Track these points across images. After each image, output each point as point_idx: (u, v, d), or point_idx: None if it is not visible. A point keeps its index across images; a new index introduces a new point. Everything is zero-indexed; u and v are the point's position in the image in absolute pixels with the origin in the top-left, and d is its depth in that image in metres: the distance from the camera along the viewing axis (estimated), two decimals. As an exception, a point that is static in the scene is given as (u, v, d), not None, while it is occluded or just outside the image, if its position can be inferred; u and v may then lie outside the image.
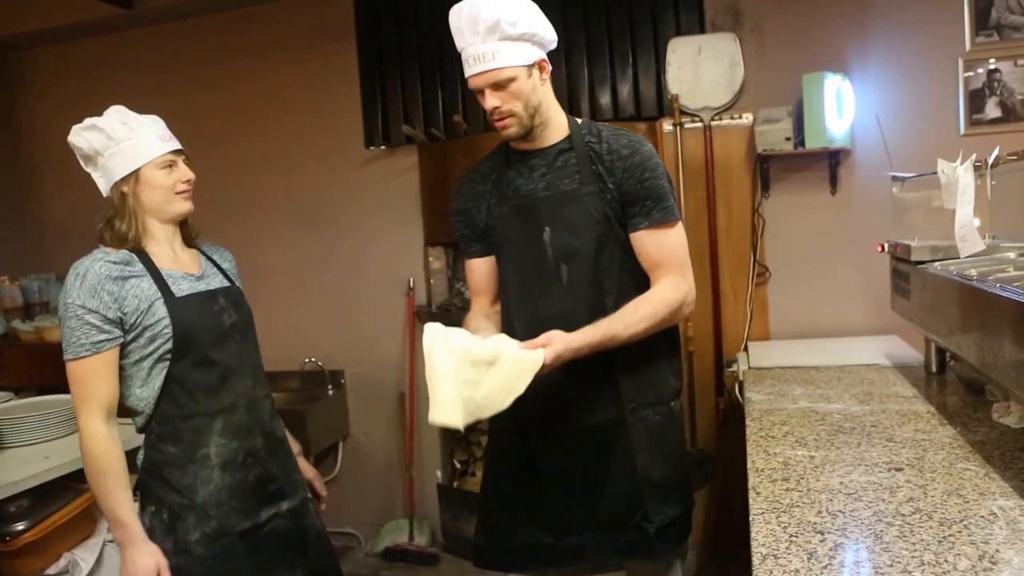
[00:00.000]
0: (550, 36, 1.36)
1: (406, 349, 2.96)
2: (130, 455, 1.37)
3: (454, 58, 2.84)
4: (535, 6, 1.35)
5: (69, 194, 3.29)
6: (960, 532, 0.96)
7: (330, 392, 3.01)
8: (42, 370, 2.79)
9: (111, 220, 1.37)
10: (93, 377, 1.29)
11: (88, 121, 1.38)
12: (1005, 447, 1.26)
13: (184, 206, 1.42)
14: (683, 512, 1.46)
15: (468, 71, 1.34)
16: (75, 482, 1.73)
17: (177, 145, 1.41)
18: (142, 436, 1.40)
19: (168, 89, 3.09)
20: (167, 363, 1.33)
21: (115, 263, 1.33)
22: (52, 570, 1.65)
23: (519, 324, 1.42)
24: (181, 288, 1.37)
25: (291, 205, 3.10)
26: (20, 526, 1.59)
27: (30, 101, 3.39)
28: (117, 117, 1.37)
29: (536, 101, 1.35)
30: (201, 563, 1.32)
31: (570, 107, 2.70)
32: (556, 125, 1.41)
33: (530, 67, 1.33)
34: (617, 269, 1.39)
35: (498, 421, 1.47)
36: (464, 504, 2.81)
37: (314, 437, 2.80)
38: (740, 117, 2.51)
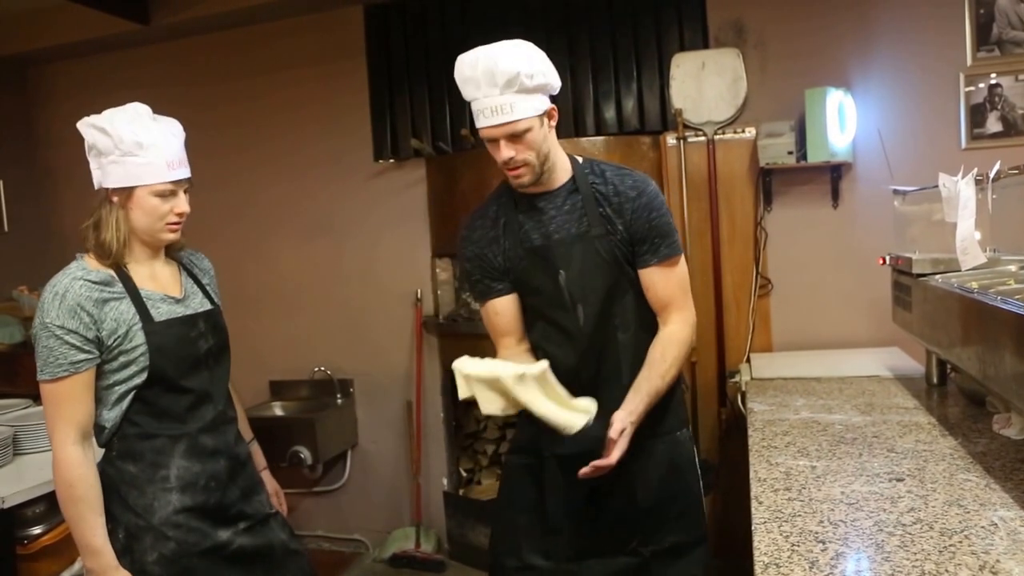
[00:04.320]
0: (557, 83, 1.38)
1: (413, 359, 2.98)
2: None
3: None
4: (543, 54, 1.36)
5: (87, 205, 3.32)
6: (961, 542, 0.98)
7: (339, 401, 3.04)
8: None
9: (97, 225, 1.31)
10: (70, 398, 1.24)
11: (101, 120, 1.30)
12: (1006, 458, 1.28)
13: (169, 238, 1.35)
14: (691, 540, 1.45)
15: (482, 122, 1.33)
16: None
17: (183, 174, 1.33)
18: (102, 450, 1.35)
19: (183, 103, 3.12)
20: (138, 387, 1.29)
21: (95, 283, 1.27)
22: (67, 573, 1.67)
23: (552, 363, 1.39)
24: (160, 312, 1.32)
25: (301, 216, 3.14)
26: (37, 530, 1.62)
27: (49, 114, 3.46)
28: (130, 129, 1.29)
29: (547, 149, 1.37)
30: None
31: (575, 122, 2.74)
32: (560, 167, 1.42)
33: (542, 116, 1.35)
34: (630, 305, 1.44)
35: (516, 440, 1.52)
36: (470, 512, 2.83)
37: (323, 445, 2.82)
38: (743, 131, 2.54)
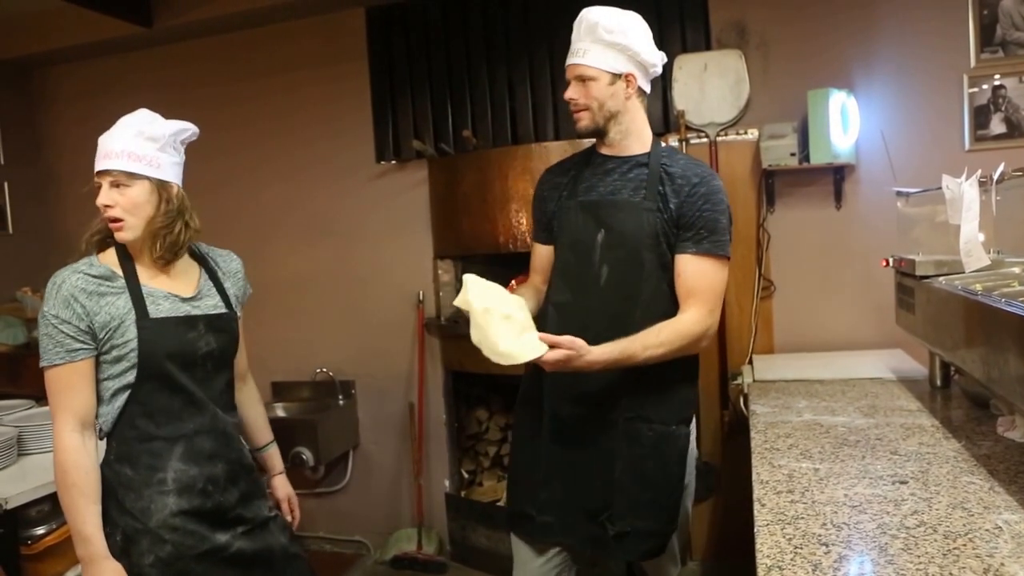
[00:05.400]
0: (647, 56, 1.44)
1: (415, 360, 2.98)
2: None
3: (463, 74, 2.91)
4: (643, 27, 1.45)
5: (91, 206, 3.34)
6: (965, 545, 0.97)
7: (341, 402, 3.04)
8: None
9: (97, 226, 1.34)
10: (67, 386, 1.26)
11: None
12: (1010, 461, 1.27)
13: (118, 236, 1.30)
14: (652, 530, 1.48)
15: (567, 62, 1.47)
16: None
17: (113, 164, 1.26)
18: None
19: (186, 105, 3.13)
20: (131, 385, 1.29)
21: (93, 277, 1.28)
22: (71, 573, 1.67)
23: (552, 310, 1.51)
24: (159, 309, 1.31)
25: (304, 218, 3.15)
26: (41, 530, 1.63)
27: (53, 116, 3.47)
28: (119, 121, 1.31)
29: (614, 108, 1.45)
30: None
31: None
32: (638, 139, 1.50)
33: (615, 75, 1.43)
34: (653, 284, 1.45)
35: (523, 394, 1.58)
36: (471, 513, 2.82)
37: (325, 446, 2.83)
38: (745, 133, 2.54)
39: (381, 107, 2.98)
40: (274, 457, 1.59)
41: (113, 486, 1.29)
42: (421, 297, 2.96)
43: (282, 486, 1.59)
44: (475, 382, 2.97)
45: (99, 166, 1.29)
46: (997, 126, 2.33)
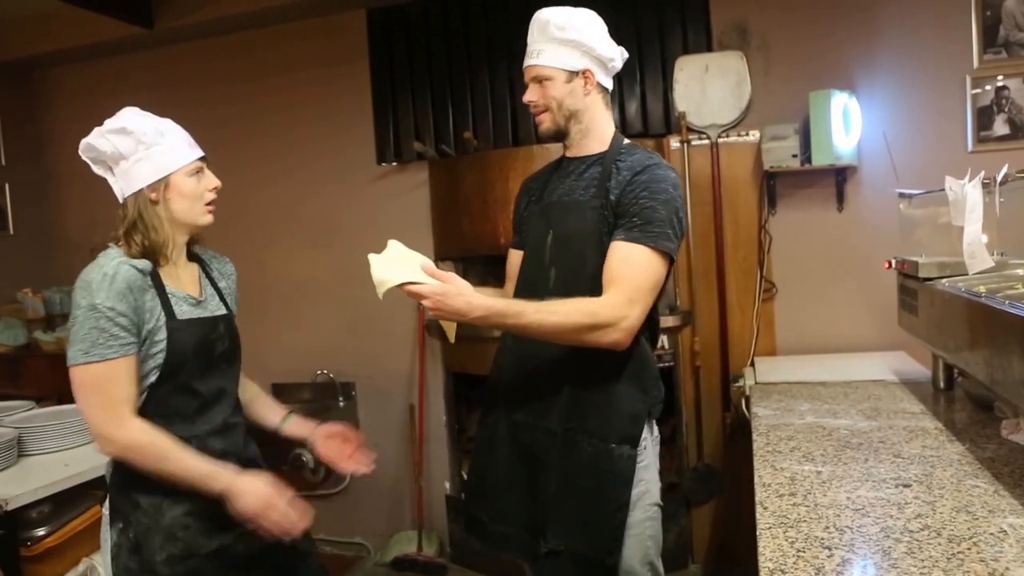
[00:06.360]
0: (603, 51, 1.39)
1: (415, 362, 2.98)
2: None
3: (464, 76, 2.91)
4: (597, 23, 1.41)
5: (91, 208, 3.35)
6: (969, 549, 0.96)
7: (341, 404, 3.04)
8: (63, 380, 2.80)
9: (131, 231, 1.28)
10: (122, 378, 1.22)
11: (115, 123, 1.29)
12: (1014, 464, 1.26)
13: (207, 219, 1.36)
14: (588, 555, 1.34)
15: (524, 64, 1.44)
16: (94, 489, 1.77)
17: (201, 152, 1.36)
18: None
19: (185, 106, 3.13)
20: (151, 386, 1.28)
21: (140, 271, 1.27)
22: (71, 574, 1.67)
23: None
24: (182, 311, 1.31)
25: (304, 219, 3.15)
26: (41, 531, 1.62)
27: (53, 117, 3.48)
28: (147, 121, 1.30)
29: (573, 106, 1.40)
30: None
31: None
32: (598, 137, 1.44)
33: (572, 72, 1.39)
34: (599, 284, 1.35)
35: (487, 397, 1.52)
36: (472, 517, 2.81)
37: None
38: (747, 134, 2.53)
39: (382, 108, 2.97)
40: (299, 422, 1.52)
41: (127, 484, 1.29)
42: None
43: (324, 435, 1.47)
44: (476, 384, 2.96)
45: (200, 152, 1.35)
46: (1000, 127, 2.33)
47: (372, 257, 1.28)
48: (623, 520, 1.35)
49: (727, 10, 2.56)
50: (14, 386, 2.87)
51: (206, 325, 1.34)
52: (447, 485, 2.97)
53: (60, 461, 1.81)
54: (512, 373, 1.45)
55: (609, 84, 1.45)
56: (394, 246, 1.33)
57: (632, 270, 1.30)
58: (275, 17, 2.99)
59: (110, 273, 1.23)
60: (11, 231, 3.39)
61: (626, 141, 1.46)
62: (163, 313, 1.27)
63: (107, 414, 1.23)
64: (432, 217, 2.94)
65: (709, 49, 2.57)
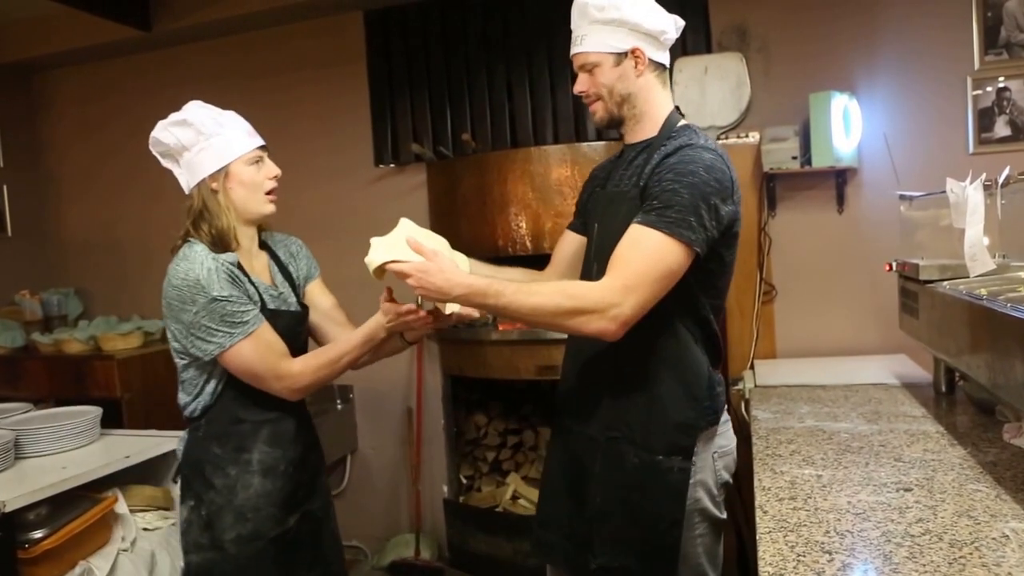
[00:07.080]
0: (651, 24, 1.27)
1: (413, 365, 2.97)
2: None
3: (462, 78, 2.90)
4: None
5: (89, 210, 3.36)
6: (971, 554, 0.95)
7: (339, 406, 3.03)
8: (60, 382, 2.83)
9: (198, 221, 1.34)
10: (269, 340, 1.30)
11: (177, 116, 1.35)
12: (1016, 468, 1.25)
13: (269, 208, 1.41)
14: (641, 573, 1.27)
15: (570, 53, 1.34)
16: (91, 491, 1.76)
17: (263, 141, 1.39)
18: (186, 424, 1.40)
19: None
20: (231, 376, 1.34)
21: (230, 264, 1.33)
22: (68, 577, 1.66)
23: None
24: (270, 298, 1.39)
25: (302, 221, 3.11)
26: (38, 534, 1.61)
27: (52, 119, 3.47)
28: (206, 112, 1.35)
29: (624, 91, 1.30)
30: (233, 562, 1.34)
31: (575, 126, 2.73)
32: (652, 120, 1.33)
33: (619, 55, 1.27)
34: None
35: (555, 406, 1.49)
36: (470, 519, 2.80)
37: (323, 451, 2.81)
38: (747, 136, 2.52)
39: (379, 110, 2.97)
40: (367, 324, 1.44)
41: (201, 463, 1.35)
42: (419, 301, 2.93)
43: (384, 313, 1.40)
44: (474, 387, 2.95)
45: (259, 140, 1.39)
46: (1001, 129, 2.32)
47: (374, 240, 1.30)
48: (677, 537, 1.25)
49: (727, 11, 2.55)
50: (12, 388, 2.87)
51: (291, 318, 1.41)
52: (445, 489, 2.96)
53: (57, 463, 1.80)
54: (566, 376, 1.42)
55: (665, 60, 1.33)
56: (405, 224, 1.34)
57: (637, 255, 1.17)
58: (272, 19, 2.99)
59: (210, 267, 1.30)
60: (9, 233, 3.38)
61: (681, 122, 1.34)
62: (259, 300, 1.35)
63: (275, 377, 1.32)
64: (430, 219, 2.92)
65: (708, 50, 2.57)
